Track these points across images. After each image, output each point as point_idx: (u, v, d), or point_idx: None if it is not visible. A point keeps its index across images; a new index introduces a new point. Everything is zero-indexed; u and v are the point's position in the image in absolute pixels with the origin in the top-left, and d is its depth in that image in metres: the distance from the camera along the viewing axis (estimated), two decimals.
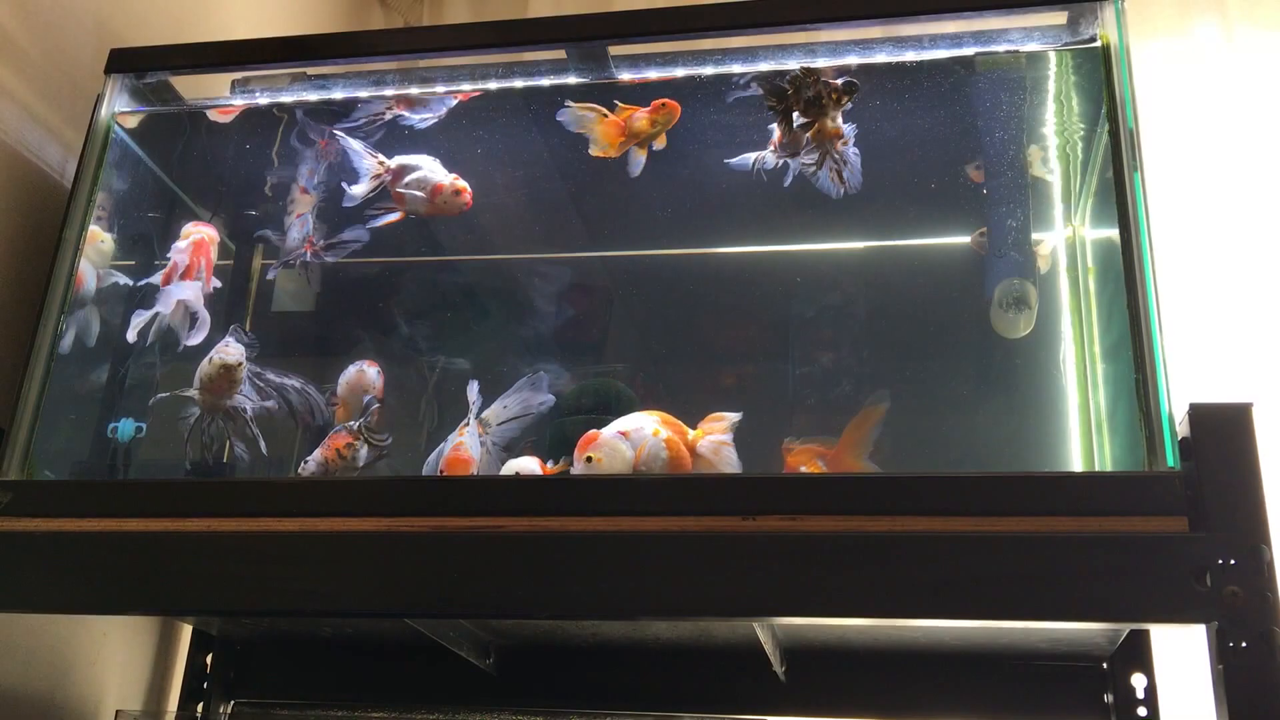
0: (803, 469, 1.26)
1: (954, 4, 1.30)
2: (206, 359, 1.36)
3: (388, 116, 1.45)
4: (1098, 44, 1.25)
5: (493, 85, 1.47)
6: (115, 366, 1.48)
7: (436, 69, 1.51)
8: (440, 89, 1.46)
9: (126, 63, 1.46)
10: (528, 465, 1.29)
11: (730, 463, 1.22)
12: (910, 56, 1.37)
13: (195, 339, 1.41)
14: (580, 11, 2.25)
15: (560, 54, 1.42)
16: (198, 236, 1.45)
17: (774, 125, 1.32)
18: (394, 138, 1.48)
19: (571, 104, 1.38)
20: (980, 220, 1.38)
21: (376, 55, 1.49)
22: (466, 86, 1.45)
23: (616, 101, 1.39)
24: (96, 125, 1.42)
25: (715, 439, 1.23)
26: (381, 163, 1.41)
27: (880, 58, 1.38)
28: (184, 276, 1.43)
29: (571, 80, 1.43)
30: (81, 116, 1.46)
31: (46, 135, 1.47)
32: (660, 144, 1.38)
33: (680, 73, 1.41)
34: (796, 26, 1.35)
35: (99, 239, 1.43)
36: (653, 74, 1.42)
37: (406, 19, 2.42)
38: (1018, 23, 1.34)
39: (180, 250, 1.44)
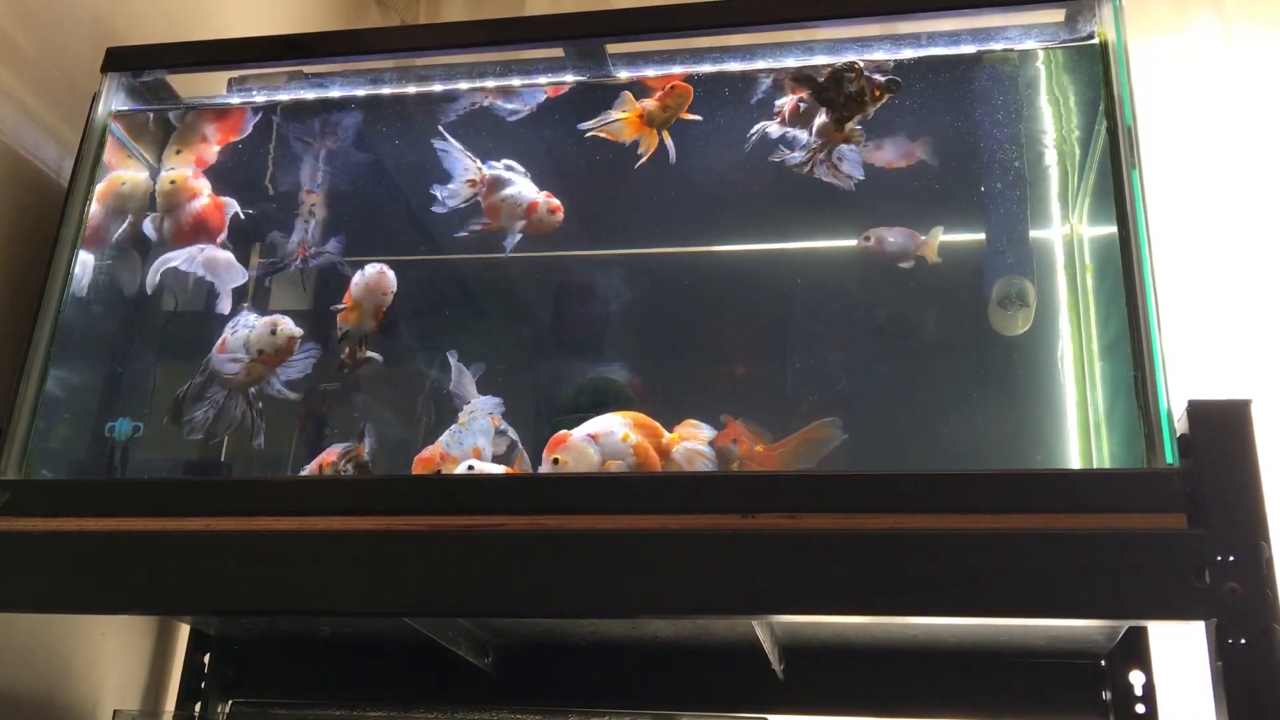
0: (733, 445, 1.26)
1: (953, 1, 1.29)
2: (267, 329, 1.35)
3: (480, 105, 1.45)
4: (1095, 41, 1.25)
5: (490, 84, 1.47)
6: (113, 365, 1.48)
7: (434, 67, 1.51)
8: (541, 80, 1.46)
9: (123, 61, 1.46)
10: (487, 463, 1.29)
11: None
12: (908, 54, 1.37)
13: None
14: (577, 7, 2.25)
15: (558, 52, 1.42)
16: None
17: (781, 100, 1.32)
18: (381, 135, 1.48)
19: (602, 119, 1.38)
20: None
21: (373, 54, 1.49)
22: (544, 80, 1.45)
23: (627, 95, 1.39)
24: (93, 124, 1.42)
25: (692, 447, 1.24)
26: (479, 169, 1.41)
27: (878, 55, 1.38)
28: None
29: (569, 78, 1.43)
30: (78, 115, 1.46)
31: (43, 134, 1.46)
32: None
33: (678, 70, 1.41)
34: (794, 24, 1.35)
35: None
36: (651, 72, 1.42)
37: (403, 17, 2.42)
38: (1015, 20, 1.34)
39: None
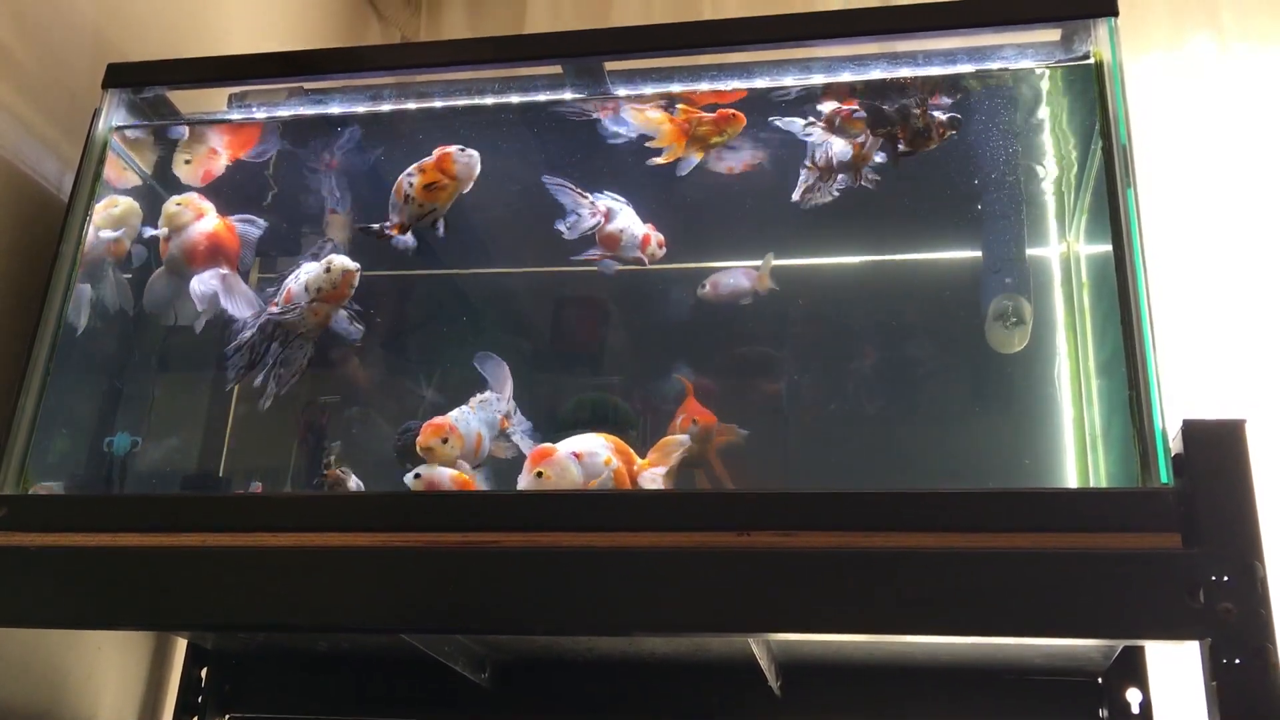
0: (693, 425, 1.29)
1: (948, 21, 1.30)
2: (322, 268, 1.35)
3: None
4: (1091, 61, 1.25)
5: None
6: (112, 380, 1.49)
7: (434, 83, 1.51)
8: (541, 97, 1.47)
9: (124, 77, 1.47)
10: (443, 476, 1.29)
11: None
12: (905, 73, 1.37)
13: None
14: (577, 24, 2.26)
15: (557, 69, 1.43)
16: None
17: (826, 107, 1.33)
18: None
19: (638, 107, 1.39)
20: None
21: (374, 70, 1.49)
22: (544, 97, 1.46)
23: (679, 105, 1.40)
24: (94, 139, 1.42)
25: (656, 473, 1.25)
26: (593, 204, 1.42)
27: (875, 74, 1.39)
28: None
29: (568, 95, 1.44)
30: (78, 130, 1.46)
31: (44, 149, 1.47)
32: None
33: (677, 88, 1.42)
34: (793, 43, 1.36)
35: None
36: (649, 90, 1.42)
37: (403, 32, 2.42)
38: (1012, 39, 1.35)
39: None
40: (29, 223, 1.43)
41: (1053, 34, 1.31)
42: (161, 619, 1.19)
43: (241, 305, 1.40)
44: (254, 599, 1.09)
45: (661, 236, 1.43)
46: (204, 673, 1.57)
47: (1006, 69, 1.34)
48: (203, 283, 1.41)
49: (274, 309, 1.36)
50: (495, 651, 1.44)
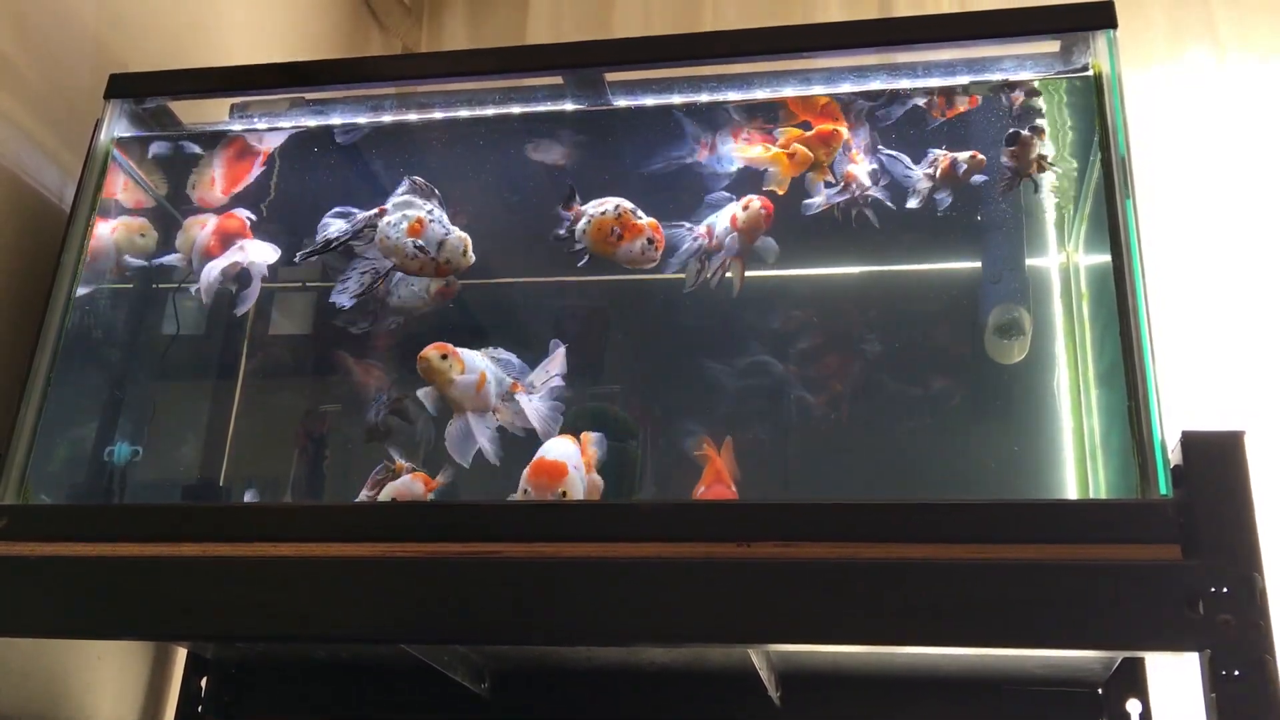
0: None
1: (949, 33, 1.31)
2: (449, 237, 1.33)
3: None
4: (1090, 73, 1.26)
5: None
6: (112, 388, 1.49)
7: (435, 94, 1.52)
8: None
9: (126, 88, 1.47)
10: (410, 487, 1.30)
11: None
12: (905, 84, 1.38)
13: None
14: (578, 35, 2.26)
15: (558, 79, 1.43)
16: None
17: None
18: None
19: (741, 146, 1.39)
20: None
21: (376, 80, 1.50)
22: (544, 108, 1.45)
23: (774, 131, 1.40)
24: (95, 149, 1.43)
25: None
26: (704, 228, 1.42)
27: (875, 84, 1.39)
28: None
29: (568, 106, 1.45)
30: (80, 140, 1.47)
31: (45, 159, 1.47)
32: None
33: (677, 99, 1.42)
34: (792, 55, 1.37)
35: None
36: (649, 100, 1.43)
37: (404, 41, 2.43)
38: (1011, 51, 1.35)
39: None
40: (30, 233, 1.44)
41: (1052, 46, 1.31)
42: (161, 629, 1.20)
43: (266, 251, 1.44)
44: (254, 609, 1.09)
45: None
46: (204, 682, 1.57)
47: (1007, 80, 1.35)
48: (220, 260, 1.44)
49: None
50: (494, 661, 1.44)
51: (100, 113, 1.45)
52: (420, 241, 1.32)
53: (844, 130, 1.39)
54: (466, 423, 1.28)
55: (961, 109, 1.36)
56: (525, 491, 1.19)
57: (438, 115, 1.51)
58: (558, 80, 1.43)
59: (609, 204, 1.35)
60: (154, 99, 1.49)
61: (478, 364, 1.30)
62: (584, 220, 1.35)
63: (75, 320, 1.37)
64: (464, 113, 1.50)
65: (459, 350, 1.29)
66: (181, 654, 1.62)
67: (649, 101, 1.43)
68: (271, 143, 1.53)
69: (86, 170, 1.42)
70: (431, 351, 1.28)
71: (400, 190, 1.36)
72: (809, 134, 1.39)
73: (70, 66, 1.52)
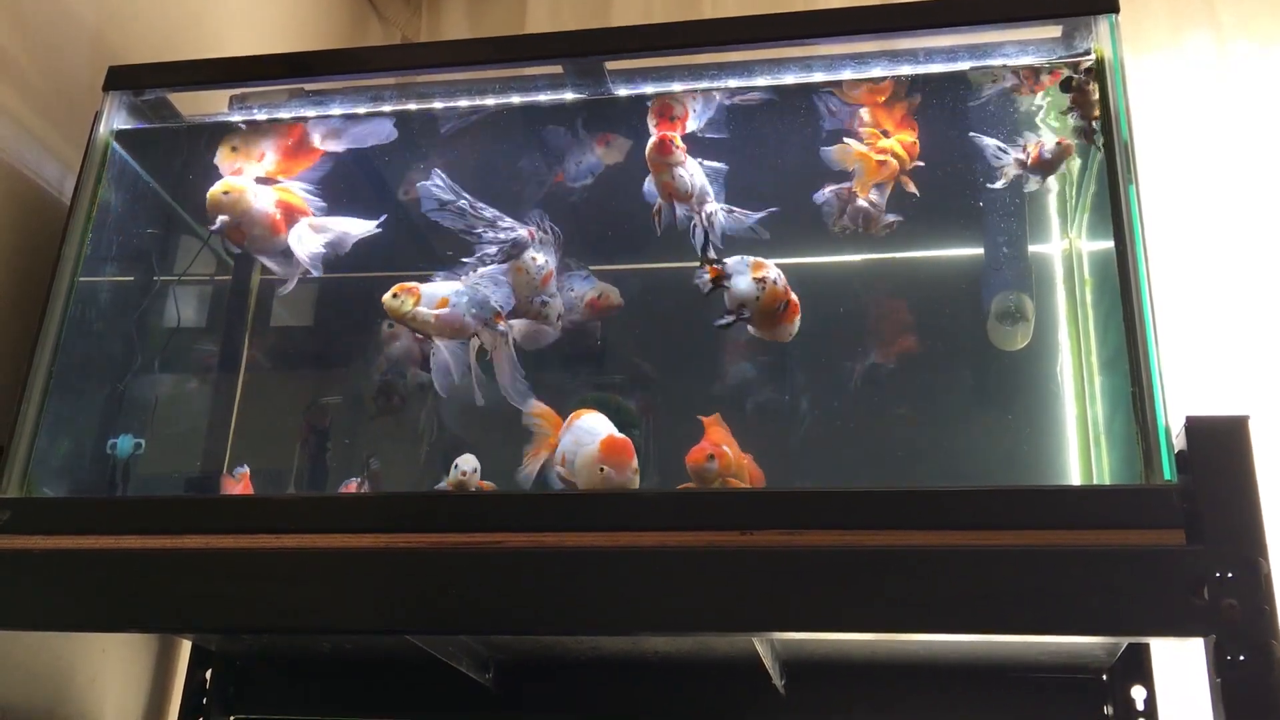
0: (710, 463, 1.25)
1: (950, 19, 1.30)
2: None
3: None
4: (1092, 58, 1.25)
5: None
6: (114, 382, 1.49)
7: (435, 84, 1.51)
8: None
9: (125, 80, 1.47)
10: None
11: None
12: (905, 70, 1.37)
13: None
14: (577, 24, 2.26)
15: (557, 69, 1.43)
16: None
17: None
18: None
19: (846, 141, 1.37)
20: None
21: (375, 71, 1.49)
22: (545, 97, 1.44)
23: (859, 130, 1.38)
24: (95, 142, 1.42)
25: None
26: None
27: (876, 71, 1.39)
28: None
29: (569, 96, 1.44)
30: (79, 133, 1.46)
31: (44, 152, 1.47)
32: None
33: (678, 87, 1.41)
34: (793, 41, 1.36)
35: None
36: (649, 89, 1.42)
37: (404, 32, 2.43)
38: (1013, 36, 1.35)
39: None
40: (30, 226, 1.43)
41: (1054, 31, 1.31)
42: (165, 621, 1.20)
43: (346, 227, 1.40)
44: (258, 601, 1.09)
45: None
46: (208, 675, 1.57)
47: (1006, 65, 1.34)
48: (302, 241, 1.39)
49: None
50: (499, 652, 1.44)
51: (99, 105, 1.45)
52: (544, 296, 1.32)
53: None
54: (441, 351, 1.26)
55: (1047, 84, 1.35)
56: (602, 469, 1.18)
57: (438, 105, 1.50)
58: (557, 69, 1.42)
59: (771, 270, 1.27)
60: (153, 91, 1.48)
61: (439, 292, 1.28)
62: (750, 285, 1.26)
63: (75, 313, 1.37)
64: (464, 102, 1.49)
65: (420, 286, 1.28)
66: (186, 647, 1.62)
67: (649, 89, 1.42)
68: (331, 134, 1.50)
69: (86, 163, 1.41)
70: (386, 295, 1.27)
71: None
72: (907, 143, 1.37)
73: (69, 59, 1.52)
